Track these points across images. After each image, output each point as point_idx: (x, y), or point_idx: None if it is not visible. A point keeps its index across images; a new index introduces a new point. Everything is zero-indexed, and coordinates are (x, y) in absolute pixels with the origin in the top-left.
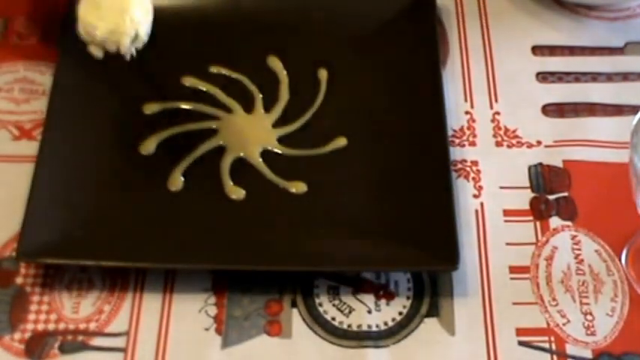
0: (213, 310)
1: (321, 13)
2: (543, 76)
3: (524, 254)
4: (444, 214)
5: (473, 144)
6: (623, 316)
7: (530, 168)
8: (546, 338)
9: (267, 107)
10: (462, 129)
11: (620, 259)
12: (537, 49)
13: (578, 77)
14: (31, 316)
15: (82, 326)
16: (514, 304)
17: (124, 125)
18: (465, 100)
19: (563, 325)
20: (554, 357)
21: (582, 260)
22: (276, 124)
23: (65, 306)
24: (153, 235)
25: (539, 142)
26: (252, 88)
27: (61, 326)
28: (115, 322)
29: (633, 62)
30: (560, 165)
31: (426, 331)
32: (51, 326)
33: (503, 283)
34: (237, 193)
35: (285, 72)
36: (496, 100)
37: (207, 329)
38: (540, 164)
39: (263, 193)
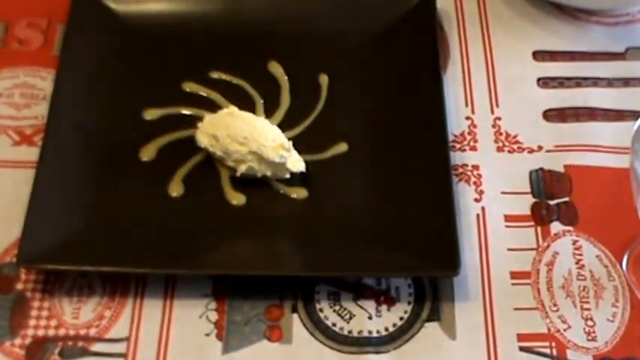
0: (213, 316)
1: (322, 18)
2: (544, 82)
3: (525, 259)
4: (444, 219)
5: (474, 149)
6: (624, 321)
7: (531, 173)
8: (547, 344)
9: (268, 112)
10: (462, 134)
11: (621, 265)
12: (538, 55)
13: (579, 82)
14: (32, 322)
15: (82, 332)
16: (515, 309)
17: (125, 131)
18: (466, 105)
19: (564, 330)
20: None
21: (583, 265)
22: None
23: (65, 312)
24: (153, 241)
25: (540, 147)
26: (253, 93)
27: (62, 332)
28: (116, 328)
29: (634, 67)
30: (562, 170)
31: (427, 336)
32: (51, 332)
33: (504, 288)
34: (237, 198)
35: (285, 77)
36: (497, 106)
37: (207, 335)
38: (541, 169)
39: (264, 198)
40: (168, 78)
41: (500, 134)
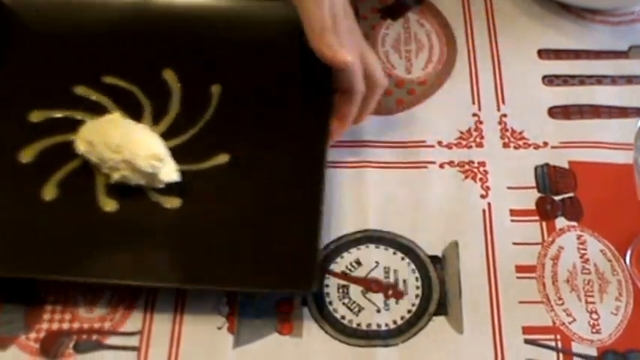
0: (225, 310)
1: (220, 29)
2: (549, 79)
3: (531, 254)
4: (308, 237)
5: (480, 145)
6: (627, 314)
7: (536, 169)
8: (552, 336)
9: (156, 120)
10: (469, 131)
11: (624, 259)
12: (543, 53)
13: (583, 80)
14: (46, 316)
15: (96, 325)
16: (520, 302)
17: (7, 131)
18: (473, 102)
19: (569, 323)
20: (560, 355)
21: (587, 260)
22: (162, 137)
23: (79, 306)
24: (19, 244)
25: (545, 144)
26: (143, 100)
27: (76, 325)
28: (129, 322)
29: (637, 65)
30: (566, 166)
31: (435, 329)
32: (65, 325)
33: (510, 282)
34: (110, 205)
35: (179, 85)
36: (503, 103)
37: (219, 328)
38: (546, 165)
39: (137, 206)
40: (60, 80)
41: (506, 131)
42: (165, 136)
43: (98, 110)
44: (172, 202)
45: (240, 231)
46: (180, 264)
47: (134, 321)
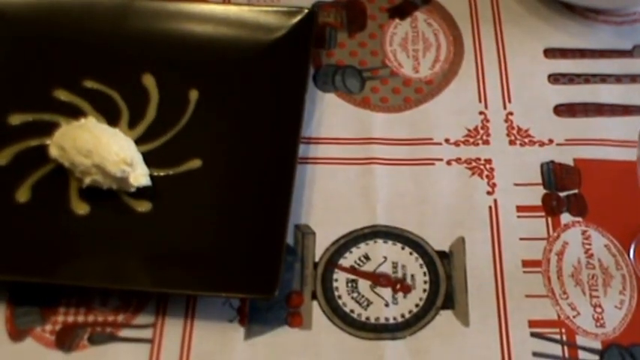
0: (236, 303)
1: (200, 35)
2: (555, 78)
3: (537, 249)
4: (273, 246)
5: (487, 142)
6: (631, 308)
7: (542, 165)
8: (557, 330)
9: (132, 124)
10: (476, 128)
11: (628, 254)
12: (549, 52)
13: (588, 79)
14: (62, 309)
15: (110, 318)
16: (526, 296)
17: None
18: (480, 100)
19: (574, 317)
20: (565, 348)
21: (592, 255)
22: (138, 142)
23: (94, 299)
24: None
25: (550, 141)
26: (121, 104)
27: (91, 318)
28: (142, 315)
29: None
30: (571, 163)
31: (442, 322)
32: (80, 318)
33: (516, 276)
34: (82, 208)
35: (157, 90)
36: (509, 101)
37: (231, 321)
38: (552, 162)
39: (109, 210)
40: (41, 84)
41: (513, 128)
42: (140, 140)
43: (77, 114)
44: (143, 206)
45: (207, 235)
46: (149, 267)
47: (147, 314)
